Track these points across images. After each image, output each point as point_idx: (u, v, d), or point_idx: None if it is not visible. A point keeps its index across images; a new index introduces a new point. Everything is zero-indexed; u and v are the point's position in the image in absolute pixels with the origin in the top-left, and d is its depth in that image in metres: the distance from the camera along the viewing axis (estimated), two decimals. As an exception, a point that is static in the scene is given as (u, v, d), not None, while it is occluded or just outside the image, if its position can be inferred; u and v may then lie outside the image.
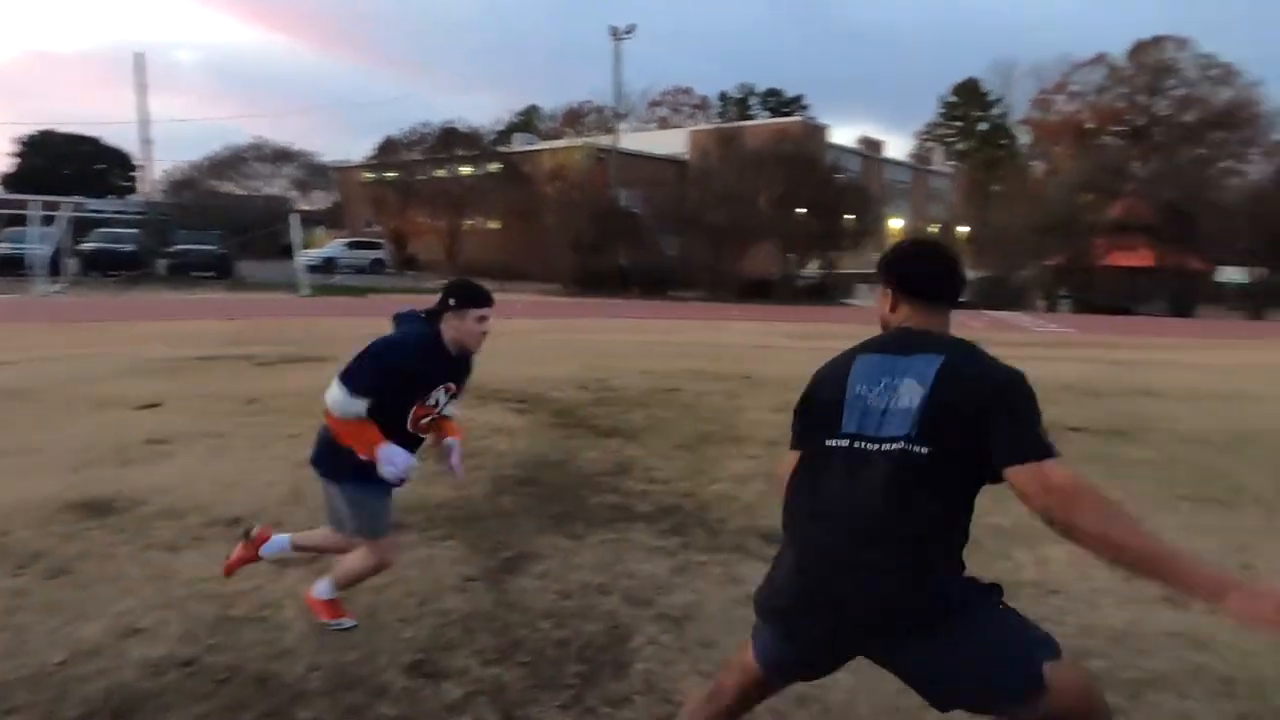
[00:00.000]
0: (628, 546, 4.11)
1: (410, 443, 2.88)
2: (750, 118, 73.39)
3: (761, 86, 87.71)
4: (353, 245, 35.72)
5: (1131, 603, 3.57)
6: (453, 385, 2.99)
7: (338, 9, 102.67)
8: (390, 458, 2.71)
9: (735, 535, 4.35)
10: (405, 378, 2.83)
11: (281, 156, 46.05)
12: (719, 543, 4.23)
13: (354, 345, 2.79)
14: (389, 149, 39.11)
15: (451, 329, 2.87)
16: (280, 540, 3.25)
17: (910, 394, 1.75)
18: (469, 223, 36.95)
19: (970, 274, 37.66)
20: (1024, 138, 65.45)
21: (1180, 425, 7.63)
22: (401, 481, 2.81)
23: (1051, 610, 3.47)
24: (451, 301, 2.86)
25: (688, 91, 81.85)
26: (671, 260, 33.79)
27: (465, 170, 37.99)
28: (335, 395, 2.73)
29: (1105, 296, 29.35)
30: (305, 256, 33.57)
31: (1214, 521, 4.73)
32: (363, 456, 2.74)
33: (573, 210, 30.58)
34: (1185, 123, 54.56)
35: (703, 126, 46.65)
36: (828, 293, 31.67)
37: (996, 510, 4.86)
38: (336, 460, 2.85)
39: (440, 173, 37.87)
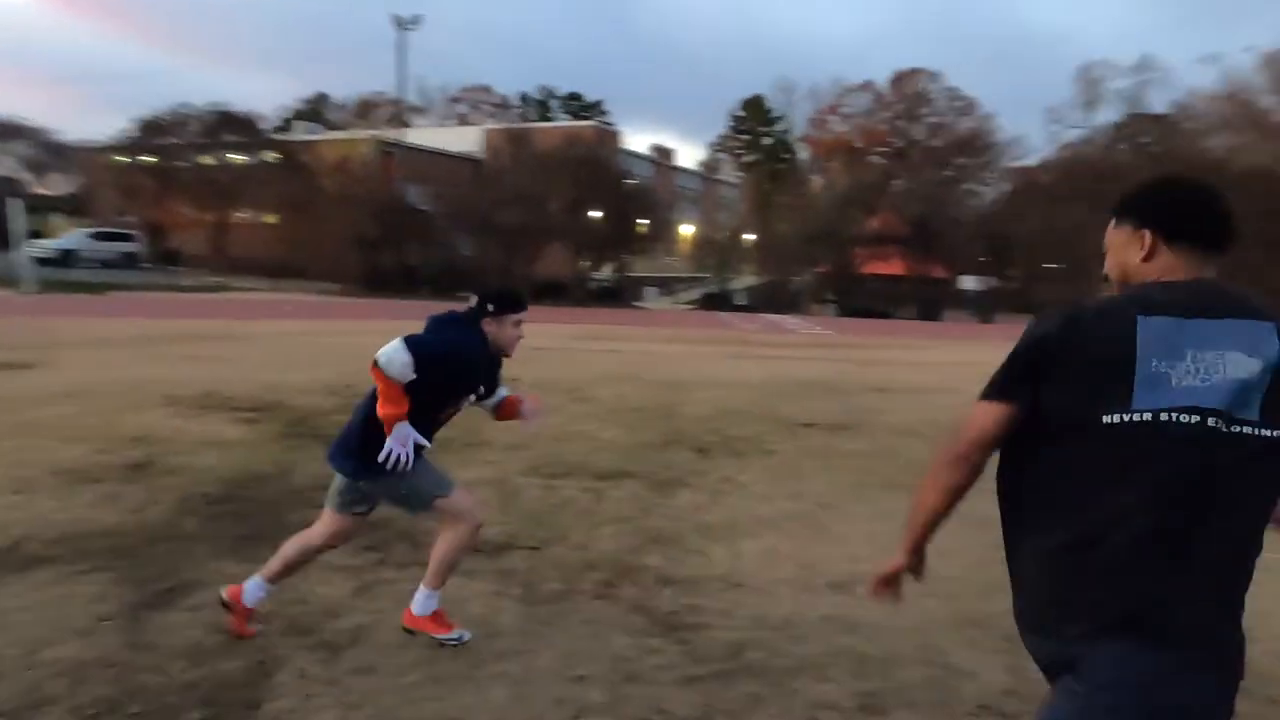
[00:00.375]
0: (312, 567, 3.79)
1: (429, 431, 2.94)
2: (551, 120, 73.60)
3: (563, 90, 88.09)
4: (99, 236, 31.65)
5: (804, 591, 3.77)
6: (483, 388, 3.13)
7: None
8: (404, 436, 2.78)
9: (440, 547, 4.16)
10: (456, 378, 2.94)
11: (10, 132, 40.10)
12: (419, 556, 4.00)
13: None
14: (148, 130, 35.08)
15: (489, 334, 2.97)
16: (252, 584, 3.07)
17: (1242, 367, 1.40)
18: (240, 215, 34.03)
19: (753, 280, 40.28)
20: (803, 153, 70.61)
21: (897, 418, 8.37)
22: (399, 462, 2.79)
23: (730, 602, 3.60)
24: (490, 307, 2.97)
25: (487, 90, 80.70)
26: (465, 261, 33.00)
27: (237, 158, 34.98)
28: (396, 352, 2.73)
29: (865, 301, 32.21)
30: (33, 248, 29.41)
31: (898, 507, 5.15)
32: (381, 416, 2.76)
33: (354, 205, 28.98)
34: (935, 147, 61.33)
35: (496, 126, 45.99)
36: (620, 295, 32.29)
37: (712, 507, 5.09)
38: (369, 458, 2.82)
39: (208, 160, 34.61)
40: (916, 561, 1.76)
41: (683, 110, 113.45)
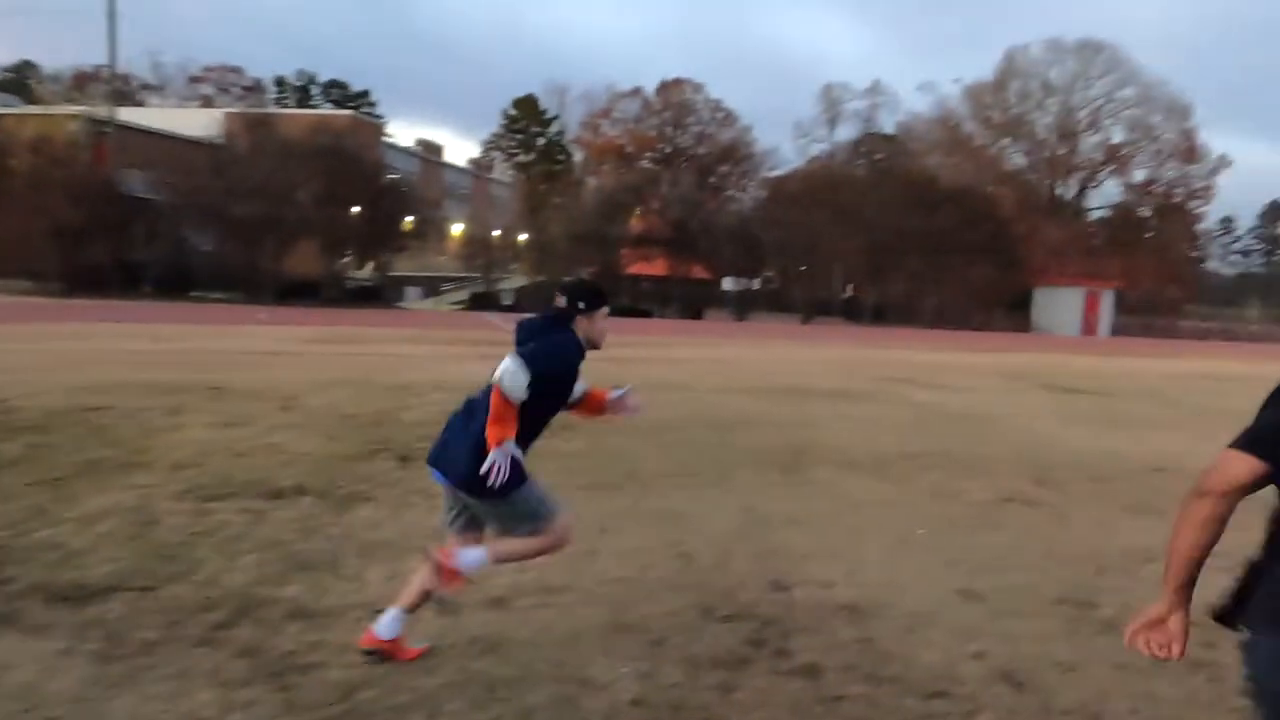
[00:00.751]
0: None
1: (532, 440, 2.96)
2: (314, 108, 68.79)
3: (325, 76, 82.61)
4: None
5: (455, 611, 3.45)
6: None
7: None
8: (509, 453, 2.76)
9: (14, 597, 3.38)
10: (564, 384, 2.98)
11: None
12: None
13: None
14: None
15: (583, 331, 2.97)
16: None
17: None
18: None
19: (523, 281, 40.06)
20: (578, 155, 71.47)
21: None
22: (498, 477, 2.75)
23: (363, 634, 3.19)
24: (582, 305, 2.98)
25: (238, 71, 73.87)
26: (200, 257, 29.77)
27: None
28: (518, 373, 2.72)
29: (630, 301, 33.06)
30: None
31: (596, 506, 5.01)
32: (490, 437, 2.73)
33: (53, 190, 25.06)
34: (699, 155, 64.59)
35: (239, 109, 42.06)
36: (379, 295, 30.63)
37: (388, 523, 4.65)
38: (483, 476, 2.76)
39: None
40: (1180, 602, 1.62)
41: (458, 107, 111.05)
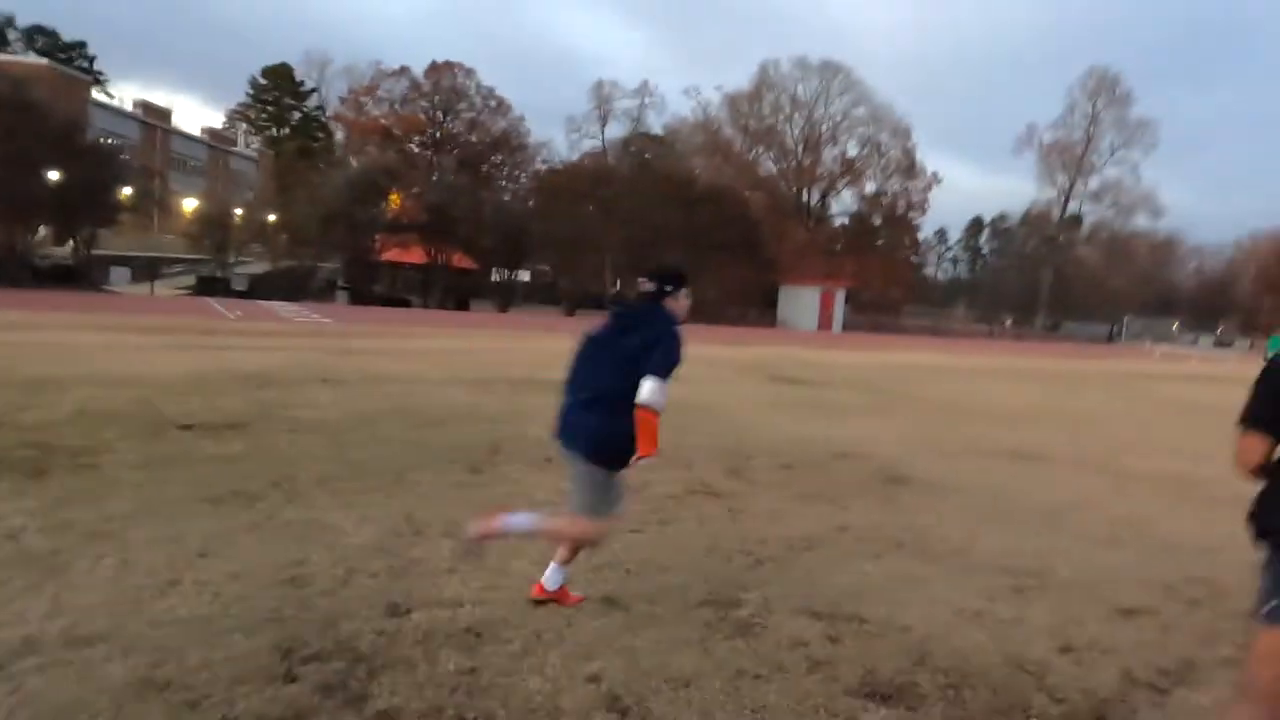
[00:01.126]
0: None
1: None
2: (11, 52, 58.39)
3: (26, 20, 70.79)
4: None
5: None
6: None
7: None
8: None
9: None
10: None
11: None
12: None
13: None
14: None
15: (671, 312, 3.28)
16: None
17: None
18: None
19: (265, 265, 36.47)
20: (339, 134, 66.76)
21: (318, 414, 7.46)
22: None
23: None
24: (669, 288, 3.30)
25: (-97, 3, 61.27)
26: None
27: None
28: (660, 393, 3.01)
29: (385, 289, 31.18)
30: None
31: (212, 523, 4.18)
32: (642, 453, 3.01)
33: None
34: (470, 142, 62.90)
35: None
36: (80, 276, 26.41)
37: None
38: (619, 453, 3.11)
39: None
40: None
41: (206, 74, 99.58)
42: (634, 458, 3.05)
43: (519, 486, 5.38)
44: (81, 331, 13.56)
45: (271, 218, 42.66)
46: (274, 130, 71.73)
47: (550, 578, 3.42)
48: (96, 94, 54.30)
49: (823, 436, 8.12)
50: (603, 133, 65.30)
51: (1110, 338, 57.44)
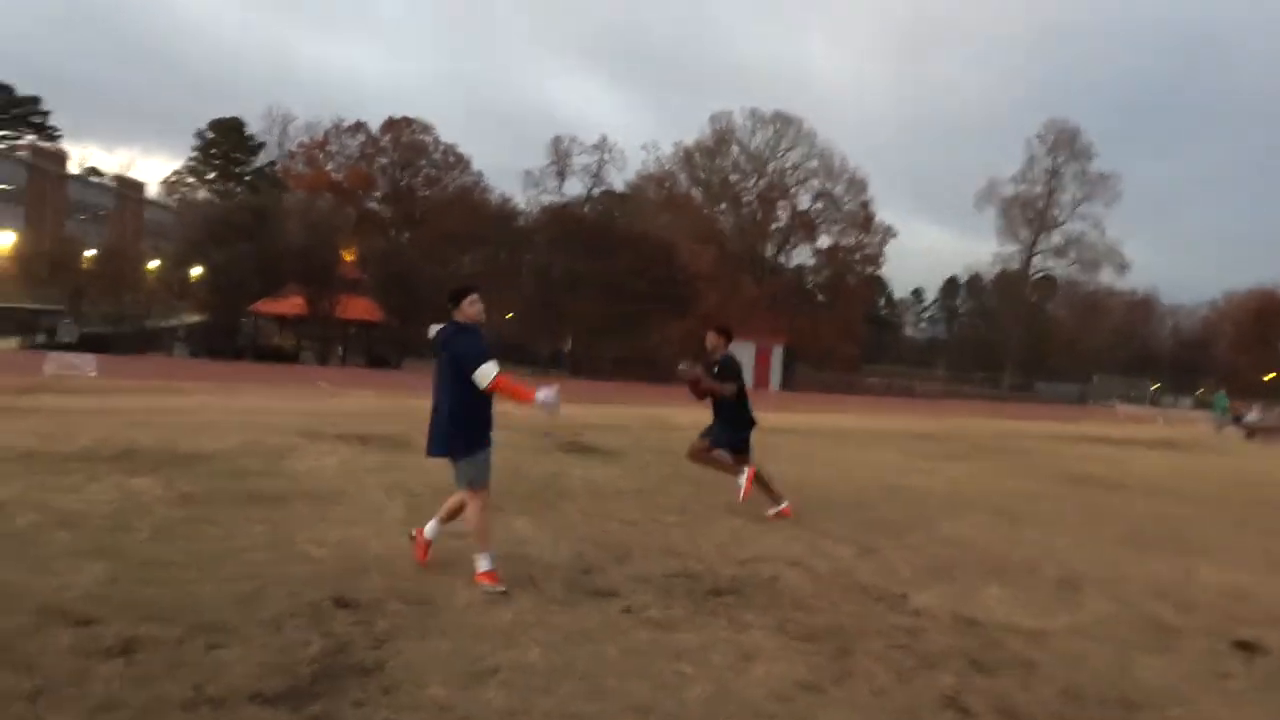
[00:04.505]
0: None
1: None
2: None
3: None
4: None
5: None
6: None
7: None
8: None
9: None
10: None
11: None
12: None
13: None
14: None
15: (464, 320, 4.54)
16: None
17: None
18: None
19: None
20: (291, 190, 64.98)
21: None
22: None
23: None
24: (450, 304, 4.51)
25: None
26: None
27: None
28: (487, 372, 4.28)
29: (264, 342, 28.16)
30: None
31: None
32: (525, 398, 4.35)
33: None
34: (428, 198, 60.97)
35: None
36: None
37: None
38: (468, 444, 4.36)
39: None
40: None
41: (151, 124, 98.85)
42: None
43: None
44: None
45: (197, 270, 39.96)
46: (221, 185, 70.05)
47: (430, 529, 4.63)
48: None
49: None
50: (560, 188, 63.49)
51: (1081, 398, 54.25)
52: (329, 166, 63.86)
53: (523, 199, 59.47)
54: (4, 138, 64.28)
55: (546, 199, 61.66)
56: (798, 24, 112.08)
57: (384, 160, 65.50)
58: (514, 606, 4.04)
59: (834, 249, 52.84)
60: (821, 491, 8.29)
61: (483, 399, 4.30)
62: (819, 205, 52.58)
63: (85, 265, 32.24)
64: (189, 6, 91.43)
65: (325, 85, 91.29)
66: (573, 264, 32.95)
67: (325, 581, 4.14)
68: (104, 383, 15.61)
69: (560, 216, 48.08)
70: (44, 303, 29.99)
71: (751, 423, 6.66)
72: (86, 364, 16.95)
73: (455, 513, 4.51)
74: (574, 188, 63.64)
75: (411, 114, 65.69)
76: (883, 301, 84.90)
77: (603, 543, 5.46)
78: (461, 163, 65.82)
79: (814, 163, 52.28)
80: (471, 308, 4.38)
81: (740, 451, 6.62)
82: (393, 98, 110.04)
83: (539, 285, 33.46)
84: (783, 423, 17.72)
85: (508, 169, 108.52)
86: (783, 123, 52.51)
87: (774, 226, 53.82)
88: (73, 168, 57.15)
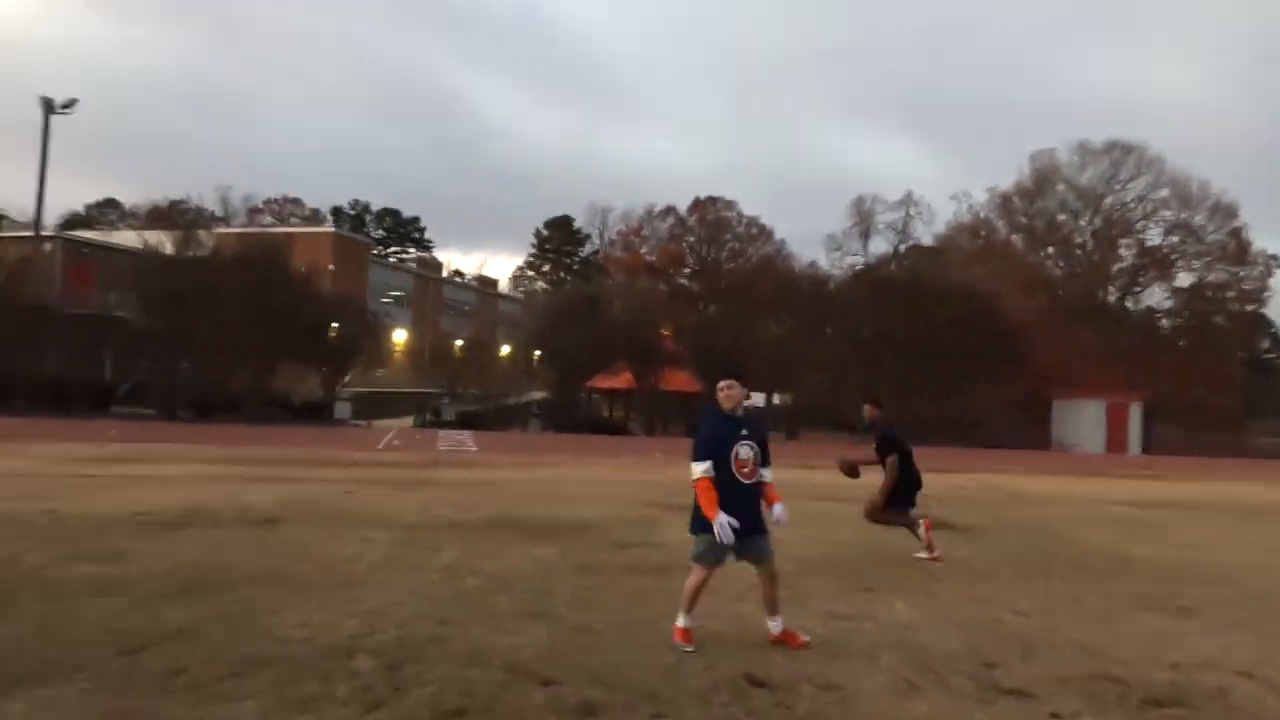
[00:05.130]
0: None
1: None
2: (366, 233, 71.77)
3: (380, 205, 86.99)
4: None
5: None
6: None
7: None
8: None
9: None
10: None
11: None
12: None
13: None
14: None
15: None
16: None
17: None
18: None
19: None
20: (611, 274, 71.67)
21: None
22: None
23: None
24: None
25: (297, 202, 78.26)
26: (166, 373, 29.21)
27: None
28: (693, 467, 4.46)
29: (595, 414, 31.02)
30: None
31: None
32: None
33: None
34: (733, 269, 63.58)
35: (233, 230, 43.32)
36: (320, 411, 29.52)
37: None
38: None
39: None
40: None
41: (502, 228, 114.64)
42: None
43: None
44: (192, 464, 14.21)
45: (537, 353, 45.64)
46: (554, 275, 79.20)
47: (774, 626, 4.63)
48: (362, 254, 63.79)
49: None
50: (865, 248, 62.63)
51: None
52: (643, 249, 69.46)
53: (825, 262, 59.22)
54: (394, 253, 79.11)
55: (850, 260, 61.05)
56: (1127, 47, 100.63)
57: (691, 238, 69.87)
58: (925, 698, 3.91)
59: (1198, 287, 45.37)
60: (1240, 583, 7.01)
61: (724, 481, 4.35)
62: (1174, 239, 45.78)
63: (456, 354, 38.25)
64: (522, 131, 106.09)
65: (637, 177, 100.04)
66: (883, 324, 32.00)
67: (734, 657, 4.34)
68: (483, 457, 18.12)
69: (867, 276, 47.13)
70: (428, 386, 36.27)
71: (919, 485, 7.43)
72: (468, 440, 19.81)
73: (775, 598, 4.63)
74: (879, 246, 62.37)
75: (715, 192, 69.39)
76: (1267, 344, 70.84)
77: (997, 633, 5.10)
78: (764, 233, 67.91)
79: (1164, 191, 45.85)
80: (720, 394, 4.42)
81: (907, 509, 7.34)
82: (701, 178, 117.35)
83: (849, 348, 32.90)
84: (1152, 494, 15.40)
85: (810, 234, 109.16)
86: (1120, 152, 46.89)
87: (1116, 268, 47.74)
88: (442, 272, 68.30)
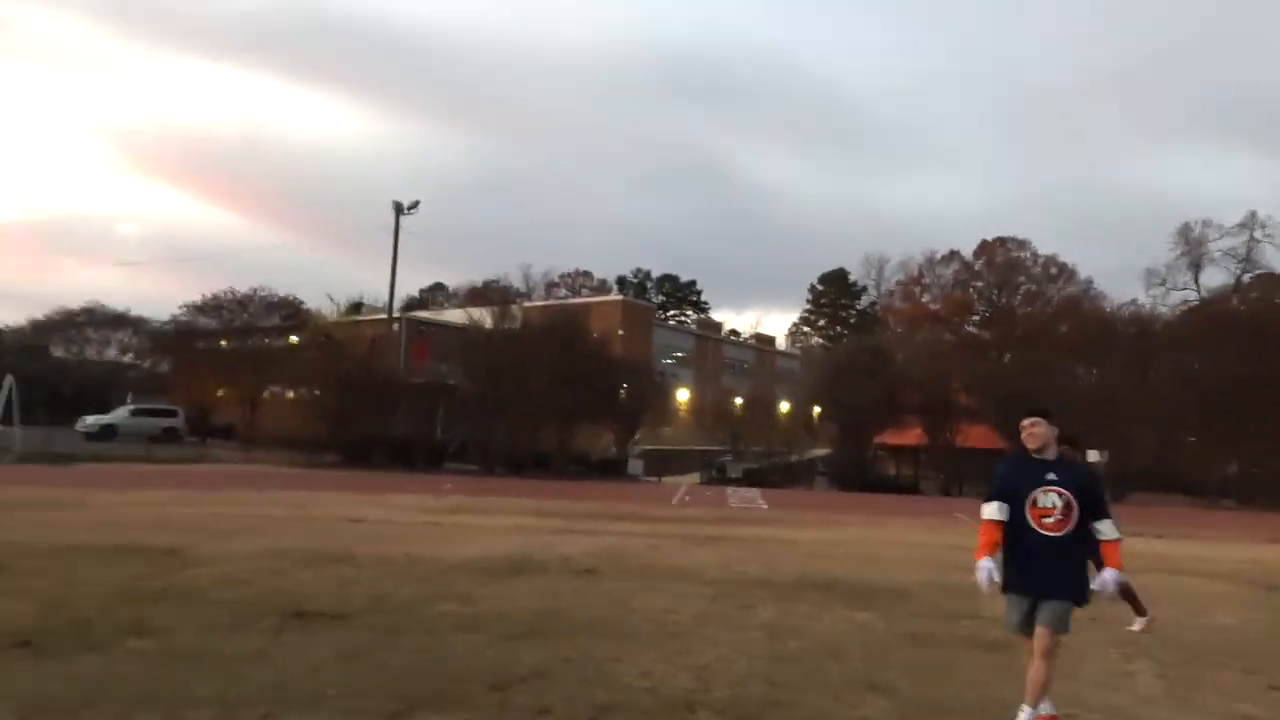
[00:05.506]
0: None
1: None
2: (649, 299, 76.65)
3: (659, 272, 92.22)
4: (139, 412, 34.44)
5: None
6: None
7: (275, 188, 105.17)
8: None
9: None
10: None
11: (118, 322, 45.59)
12: None
13: None
14: (204, 311, 38.62)
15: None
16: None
17: None
18: (269, 391, 36.31)
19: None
20: (891, 326, 68.95)
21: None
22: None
23: None
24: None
25: (587, 275, 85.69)
26: (488, 433, 32.92)
27: (292, 339, 37.72)
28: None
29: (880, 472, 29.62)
30: (81, 424, 32.24)
31: None
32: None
33: (322, 379, 30.31)
34: (1031, 314, 58.25)
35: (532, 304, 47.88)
36: (613, 468, 31.28)
37: None
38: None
39: (257, 340, 37.60)
40: None
41: (776, 285, 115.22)
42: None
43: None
44: (518, 516, 15.66)
45: (817, 409, 45.11)
46: (830, 330, 77.86)
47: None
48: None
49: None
50: (1196, 281, 54.51)
51: None
52: (925, 298, 66.07)
53: (1146, 299, 52.10)
54: (673, 315, 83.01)
55: (1178, 296, 53.18)
56: None
57: (979, 283, 65.23)
58: None
59: None
60: None
61: (1015, 529, 3.96)
62: None
63: (737, 411, 38.86)
64: (795, 188, 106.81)
65: (914, 225, 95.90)
66: (1226, 367, 27.12)
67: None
68: (773, 514, 17.95)
69: (1203, 313, 40.51)
70: (710, 444, 37.19)
71: None
72: (758, 498, 19.78)
73: (1039, 681, 3.92)
74: (1215, 278, 53.82)
75: (1003, 233, 64.46)
76: None
77: None
78: (1065, 272, 61.58)
79: None
80: (1024, 433, 4.05)
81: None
82: (984, 221, 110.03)
83: (1184, 396, 28.25)
84: None
85: (1120, 270, 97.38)
86: None
87: None
88: (720, 331, 70.22)
